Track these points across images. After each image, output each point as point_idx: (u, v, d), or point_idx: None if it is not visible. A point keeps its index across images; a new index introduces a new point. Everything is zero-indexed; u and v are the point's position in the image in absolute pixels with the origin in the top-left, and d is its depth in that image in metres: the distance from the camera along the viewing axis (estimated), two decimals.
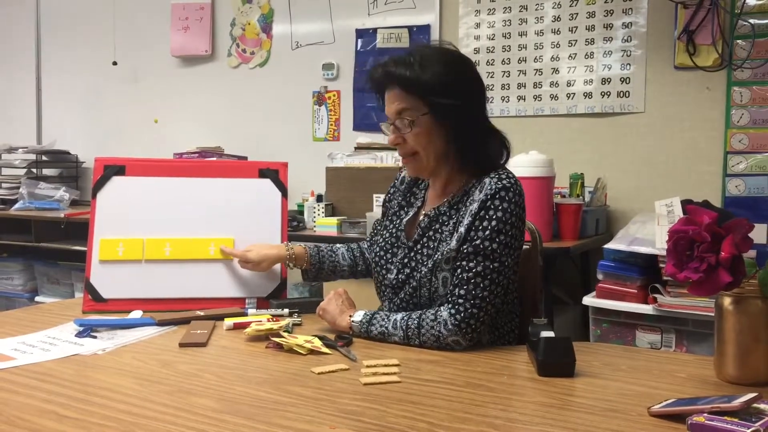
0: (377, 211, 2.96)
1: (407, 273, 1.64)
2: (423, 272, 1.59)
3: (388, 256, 1.70)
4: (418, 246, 1.64)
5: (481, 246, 1.51)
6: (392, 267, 1.68)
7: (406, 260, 1.65)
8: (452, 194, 1.63)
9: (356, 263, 1.88)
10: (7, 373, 1.33)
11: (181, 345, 1.52)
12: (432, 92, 1.55)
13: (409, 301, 1.63)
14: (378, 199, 3.12)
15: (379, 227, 1.83)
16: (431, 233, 1.63)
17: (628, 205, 3.10)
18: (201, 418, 1.09)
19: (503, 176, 1.56)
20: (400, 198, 1.77)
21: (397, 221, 1.73)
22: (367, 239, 1.93)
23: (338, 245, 1.91)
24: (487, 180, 1.56)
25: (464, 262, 1.52)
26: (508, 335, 1.67)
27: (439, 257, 1.57)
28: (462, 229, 1.54)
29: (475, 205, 1.54)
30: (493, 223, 1.51)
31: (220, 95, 4.15)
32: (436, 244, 1.61)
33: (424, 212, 1.67)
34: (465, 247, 1.53)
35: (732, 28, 2.85)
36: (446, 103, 1.55)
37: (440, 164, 1.62)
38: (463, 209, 1.58)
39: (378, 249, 1.73)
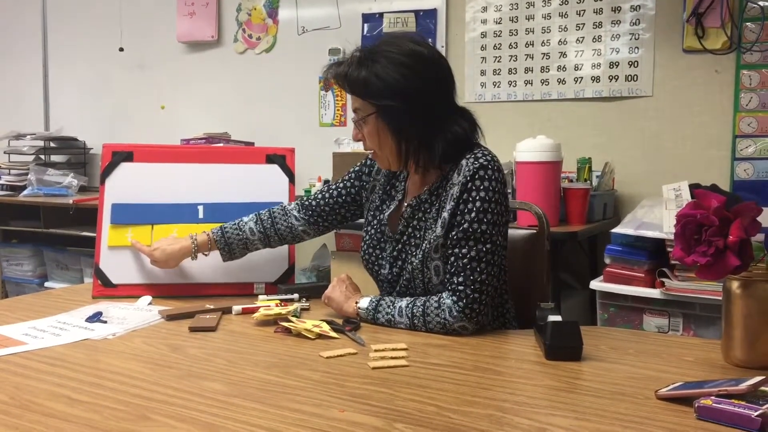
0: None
1: (399, 266, 1.64)
2: (414, 264, 1.59)
3: (377, 252, 1.69)
4: (405, 237, 1.63)
5: (470, 229, 1.50)
6: (384, 263, 1.68)
7: (395, 253, 1.65)
8: (432, 182, 1.61)
9: (267, 235, 1.80)
10: (19, 357, 1.34)
11: (191, 329, 1.53)
12: (372, 95, 1.54)
13: (405, 293, 1.63)
14: None
15: (329, 198, 1.78)
16: (415, 222, 1.62)
17: (635, 190, 3.09)
18: (211, 401, 1.10)
19: (479, 155, 1.54)
20: (380, 192, 1.74)
21: (380, 216, 1.70)
22: (304, 200, 1.84)
23: (246, 218, 1.81)
24: (463, 162, 1.54)
25: (456, 249, 1.51)
26: (506, 313, 1.68)
27: (427, 246, 1.56)
28: (446, 215, 1.54)
29: (456, 189, 1.53)
30: (477, 204, 1.50)
31: (226, 81, 4.14)
32: (422, 233, 1.60)
33: (406, 203, 1.65)
34: (454, 233, 1.52)
35: (741, 10, 2.83)
36: (390, 105, 1.53)
37: (403, 160, 1.59)
38: (444, 194, 1.57)
39: (365, 246, 1.72)
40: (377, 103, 1.54)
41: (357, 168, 1.80)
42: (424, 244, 1.57)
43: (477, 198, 1.50)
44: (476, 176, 1.51)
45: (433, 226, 1.57)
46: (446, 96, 1.60)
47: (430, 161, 1.59)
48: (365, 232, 1.73)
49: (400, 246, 1.64)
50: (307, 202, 1.83)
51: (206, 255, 1.81)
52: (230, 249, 1.80)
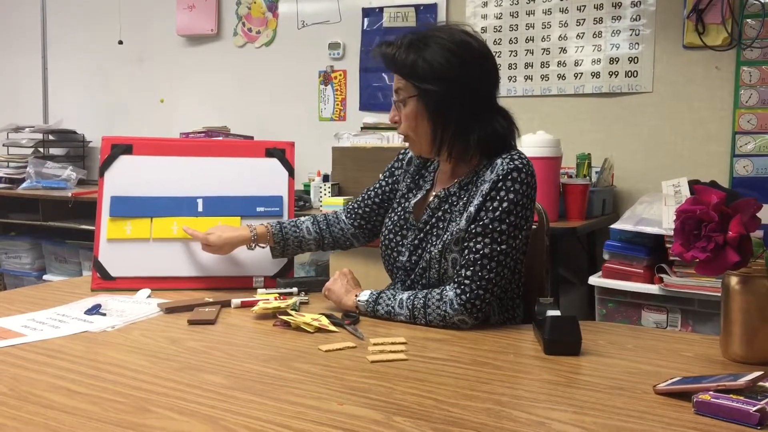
0: None
1: (419, 254, 1.64)
2: (433, 253, 1.59)
3: (398, 238, 1.70)
4: (428, 227, 1.63)
5: (490, 226, 1.50)
6: (404, 249, 1.68)
7: (416, 242, 1.65)
8: (462, 175, 1.62)
9: (322, 236, 1.84)
10: (18, 349, 1.34)
11: (190, 322, 1.53)
12: (416, 77, 1.54)
13: (419, 282, 1.63)
14: None
15: (368, 200, 1.81)
16: (441, 214, 1.62)
17: (635, 186, 3.10)
18: (210, 394, 1.10)
19: (515, 157, 1.55)
20: (408, 180, 1.75)
21: (406, 203, 1.71)
22: (348, 205, 1.87)
23: (303, 218, 1.86)
24: (498, 161, 1.54)
25: (471, 243, 1.52)
26: (516, 317, 1.67)
27: (449, 238, 1.56)
28: (472, 209, 1.54)
29: (486, 186, 1.53)
30: (504, 204, 1.50)
31: (226, 75, 4.14)
32: (445, 224, 1.60)
33: (434, 193, 1.66)
34: (473, 226, 1.52)
35: (741, 6, 2.83)
36: (432, 89, 1.53)
37: (436, 147, 1.59)
38: (474, 190, 1.57)
39: (387, 232, 1.72)
40: (420, 86, 1.54)
41: (390, 165, 1.83)
42: (445, 236, 1.57)
43: (505, 198, 1.51)
44: (509, 177, 1.51)
45: (458, 218, 1.57)
46: (489, 91, 1.60)
47: (464, 152, 1.59)
48: (388, 218, 1.75)
49: (422, 235, 1.64)
50: (350, 206, 1.86)
51: (263, 247, 1.82)
52: (285, 245, 1.82)
